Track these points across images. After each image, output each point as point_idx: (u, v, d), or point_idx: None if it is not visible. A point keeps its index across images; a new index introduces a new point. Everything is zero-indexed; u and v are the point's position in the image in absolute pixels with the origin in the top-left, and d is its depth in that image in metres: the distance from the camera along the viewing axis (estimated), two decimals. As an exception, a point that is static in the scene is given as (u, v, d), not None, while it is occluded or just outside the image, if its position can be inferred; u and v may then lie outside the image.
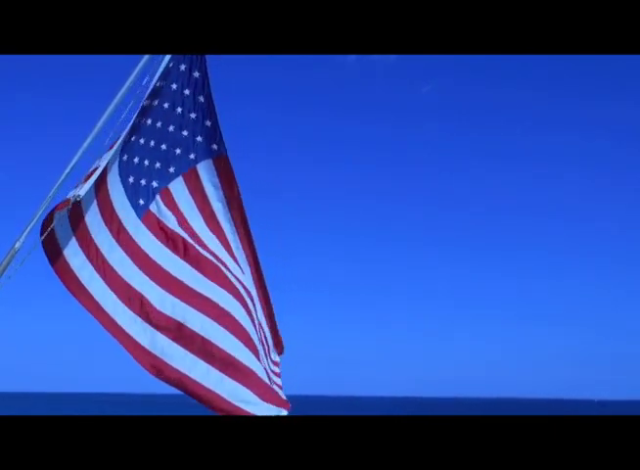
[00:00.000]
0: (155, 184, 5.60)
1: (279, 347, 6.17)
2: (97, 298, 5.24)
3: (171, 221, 5.64)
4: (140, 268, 5.42)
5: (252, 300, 5.78)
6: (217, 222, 5.82)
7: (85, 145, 4.82)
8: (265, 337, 5.92)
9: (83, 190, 4.86)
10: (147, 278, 5.41)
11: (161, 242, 5.55)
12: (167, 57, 5.39)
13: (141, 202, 5.53)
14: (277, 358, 6.14)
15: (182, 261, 5.53)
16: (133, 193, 5.49)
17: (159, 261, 5.48)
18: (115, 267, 5.36)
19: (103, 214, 5.37)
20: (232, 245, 5.85)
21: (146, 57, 5.07)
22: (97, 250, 5.32)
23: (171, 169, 5.67)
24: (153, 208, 5.60)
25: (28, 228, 4.59)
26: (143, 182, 5.54)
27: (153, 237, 5.53)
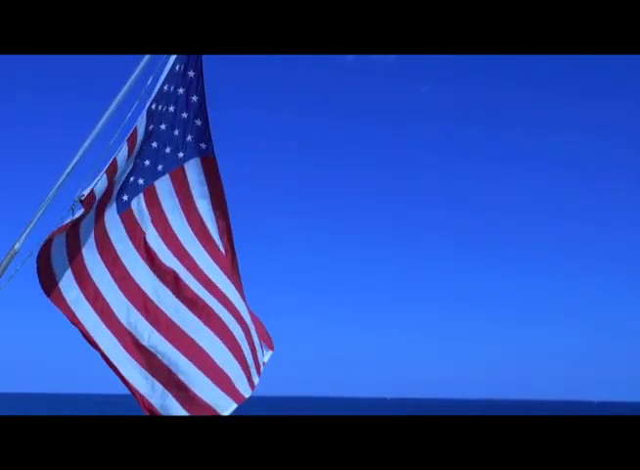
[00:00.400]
0: (140, 181, 5.59)
1: (268, 343, 6.15)
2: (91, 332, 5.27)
3: (145, 220, 5.64)
4: (106, 265, 5.43)
5: (228, 304, 5.72)
6: (201, 219, 5.85)
7: (86, 145, 4.80)
8: (249, 342, 5.83)
9: (87, 190, 4.86)
10: (111, 278, 5.42)
11: (132, 243, 5.55)
12: (172, 59, 5.38)
13: (125, 197, 5.51)
14: (265, 358, 6.09)
15: (146, 267, 5.53)
16: (120, 189, 5.47)
17: (125, 264, 5.48)
18: (102, 290, 5.37)
19: (96, 235, 5.38)
20: (217, 243, 5.88)
21: (147, 57, 5.05)
22: (93, 283, 5.33)
23: (159, 167, 5.67)
24: (134, 205, 5.59)
25: (28, 229, 4.56)
26: (131, 179, 5.52)
27: (126, 236, 5.52)
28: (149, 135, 5.44)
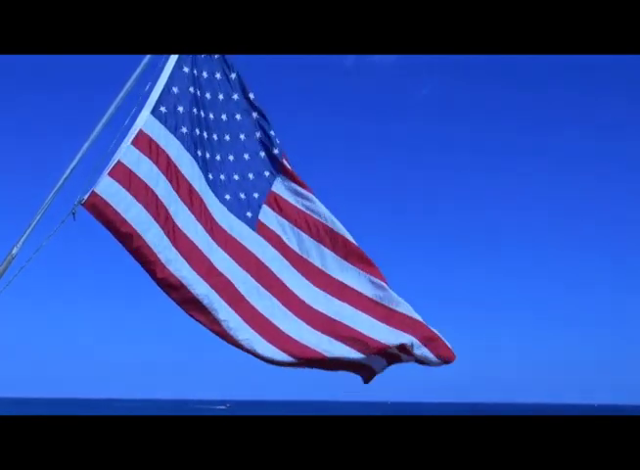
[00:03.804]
0: (256, 195, 5.76)
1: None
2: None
3: (286, 228, 5.80)
4: (257, 281, 5.53)
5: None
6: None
7: (84, 149, 4.78)
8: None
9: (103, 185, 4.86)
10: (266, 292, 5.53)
11: (278, 251, 5.69)
12: (171, 63, 5.37)
13: (249, 214, 5.67)
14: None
15: (297, 273, 5.69)
16: (238, 207, 5.64)
17: (275, 271, 5.61)
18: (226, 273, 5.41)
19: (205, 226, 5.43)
20: None
21: (145, 60, 5.04)
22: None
23: (267, 174, 5.84)
24: (262, 217, 5.75)
25: (26, 234, 4.55)
26: (242, 196, 5.70)
27: (272, 248, 5.68)
28: (217, 146, 5.62)
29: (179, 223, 5.25)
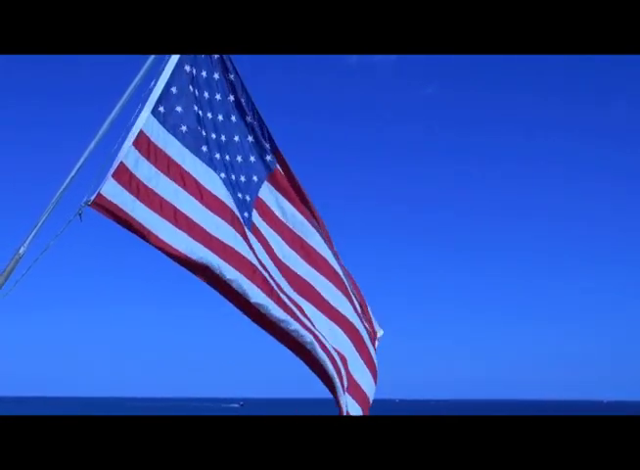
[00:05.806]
0: (247, 198, 5.81)
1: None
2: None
3: (268, 232, 5.88)
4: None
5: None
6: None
7: (90, 148, 4.81)
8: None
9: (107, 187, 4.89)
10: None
11: (265, 251, 5.76)
12: (170, 63, 5.38)
13: (246, 215, 5.75)
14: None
15: (282, 278, 5.79)
16: (239, 207, 5.70)
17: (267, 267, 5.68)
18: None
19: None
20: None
21: (150, 60, 5.06)
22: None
23: (255, 178, 5.89)
24: (254, 220, 5.82)
25: (33, 233, 4.57)
26: (240, 196, 5.75)
27: (263, 250, 5.75)
28: (212, 145, 5.62)
29: (193, 217, 5.31)
